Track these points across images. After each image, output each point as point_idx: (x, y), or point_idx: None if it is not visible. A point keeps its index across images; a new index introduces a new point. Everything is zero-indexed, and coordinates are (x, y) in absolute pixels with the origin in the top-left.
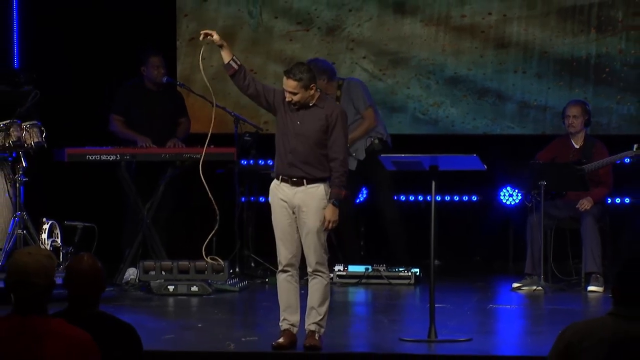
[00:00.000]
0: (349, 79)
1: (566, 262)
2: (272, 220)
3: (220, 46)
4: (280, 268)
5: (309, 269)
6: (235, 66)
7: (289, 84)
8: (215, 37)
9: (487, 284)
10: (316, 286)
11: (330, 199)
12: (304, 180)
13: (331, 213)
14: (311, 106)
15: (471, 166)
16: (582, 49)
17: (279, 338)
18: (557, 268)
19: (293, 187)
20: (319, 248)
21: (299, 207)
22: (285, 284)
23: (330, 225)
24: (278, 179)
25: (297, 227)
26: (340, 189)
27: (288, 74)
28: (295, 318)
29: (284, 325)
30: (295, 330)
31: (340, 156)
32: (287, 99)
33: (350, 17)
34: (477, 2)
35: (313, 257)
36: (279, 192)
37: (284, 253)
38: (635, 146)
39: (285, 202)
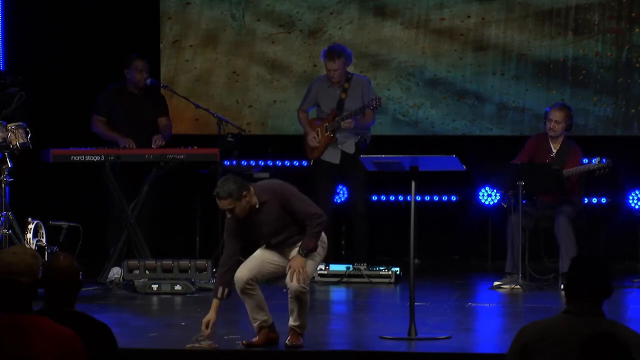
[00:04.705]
0: (358, 75)
1: (544, 261)
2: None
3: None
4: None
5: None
6: (225, 296)
7: (223, 204)
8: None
9: (466, 282)
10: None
11: (300, 248)
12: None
13: (297, 263)
14: (257, 208)
15: (451, 167)
16: (560, 51)
17: (254, 337)
18: (536, 266)
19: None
20: (306, 279)
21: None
22: (247, 297)
23: (295, 274)
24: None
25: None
26: (311, 241)
27: (217, 196)
28: (264, 316)
29: (255, 324)
30: (269, 322)
31: (312, 210)
32: (228, 216)
33: (331, 20)
34: (456, 6)
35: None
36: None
37: (249, 271)
38: (596, 160)
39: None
